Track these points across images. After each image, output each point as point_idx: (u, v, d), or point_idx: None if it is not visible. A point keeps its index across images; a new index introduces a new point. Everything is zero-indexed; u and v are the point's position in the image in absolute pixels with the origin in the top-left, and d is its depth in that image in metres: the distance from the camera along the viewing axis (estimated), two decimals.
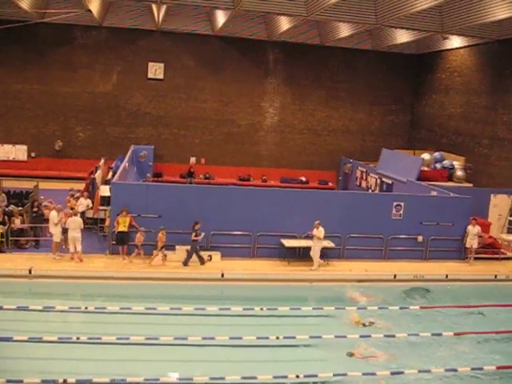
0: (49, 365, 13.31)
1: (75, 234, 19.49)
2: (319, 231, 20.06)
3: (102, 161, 27.60)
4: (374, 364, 14.02)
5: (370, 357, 14.37)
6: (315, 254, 20.28)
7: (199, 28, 35.44)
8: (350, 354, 14.36)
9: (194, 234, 19.82)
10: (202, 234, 19.99)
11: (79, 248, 19.54)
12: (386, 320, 16.74)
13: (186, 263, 19.94)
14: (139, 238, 19.92)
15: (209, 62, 36.09)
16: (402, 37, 32.32)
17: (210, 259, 20.34)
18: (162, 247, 19.81)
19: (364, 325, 16.11)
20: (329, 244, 21.03)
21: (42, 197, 23.48)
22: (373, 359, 14.30)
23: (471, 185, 28.61)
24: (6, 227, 20.18)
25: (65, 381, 10.96)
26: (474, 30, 27.76)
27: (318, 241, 20.18)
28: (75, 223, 19.53)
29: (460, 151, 31.24)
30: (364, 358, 14.33)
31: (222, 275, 19.37)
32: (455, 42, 32.37)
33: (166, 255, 19.88)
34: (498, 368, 14.08)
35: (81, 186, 25.81)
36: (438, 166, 30.21)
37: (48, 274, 18.50)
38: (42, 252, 20.38)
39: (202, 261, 20.10)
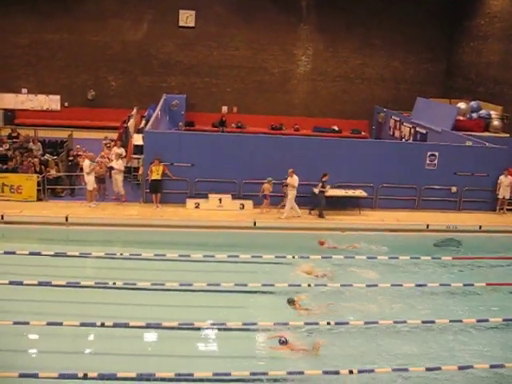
0: (86, 308, 13.77)
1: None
2: (293, 179, 19.85)
3: (135, 110, 27.66)
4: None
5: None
6: (288, 202, 20.11)
7: None
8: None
9: (320, 185, 20.19)
10: (328, 186, 20.37)
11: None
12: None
13: (321, 215, 20.45)
14: (267, 187, 20.21)
15: (240, 9, 35.41)
16: None
17: (243, 208, 20.47)
18: (267, 197, 20.29)
19: (317, 276, 15.94)
20: (361, 193, 20.98)
21: (78, 146, 23.74)
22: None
23: (508, 135, 27.96)
24: (43, 176, 20.53)
25: (85, 375, 10.76)
26: None
27: (292, 189, 19.98)
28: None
29: (498, 100, 30.39)
30: None
31: (255, 223, 19.54)
32: None
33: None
34: None
35: (114, 135, 26.04)
36: (475, 115, 29.51)
37: (84, 221, 18.91)
38: (78, 200, 20.77)
39: (321, 214, 20.44)
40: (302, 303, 14.16)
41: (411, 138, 29.30)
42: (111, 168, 20.74)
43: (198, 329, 13.01)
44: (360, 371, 11.41)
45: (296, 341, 12.41)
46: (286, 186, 20.06)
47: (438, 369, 11.76)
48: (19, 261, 15.94)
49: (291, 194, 19.97)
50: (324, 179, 20.21)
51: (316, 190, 20.39)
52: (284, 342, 12.17)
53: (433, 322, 13.70)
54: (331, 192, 20.72)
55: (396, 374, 11.56)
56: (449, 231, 20.26)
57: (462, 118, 28.97)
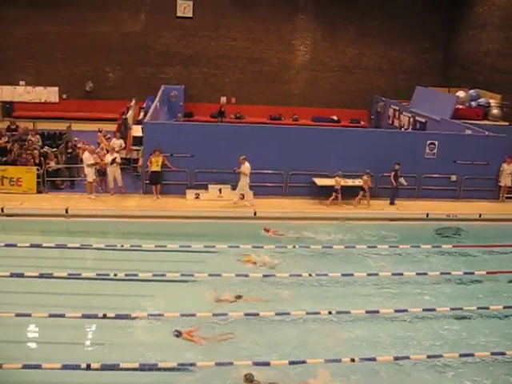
0: (88, 300, 13.80)
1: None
2: (245, 167, 19.88)
3: (133, 101, 27.63)
4: None
5: None
6: (239, 189, 20.17)
7: None
8: None
9: (393, 174, 20.70)
10: (401, 178, 20.89)
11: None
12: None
13: (392, 202, 21.10)
14: (338, 181, 20.41)
15: None
16: None
17: (243, 198, 20.47)
18: (366, 190, 20.62)
19: (255, 263, 16.03)
20: (360, 183, 20.97)
21: (76, 138, 23.70)
22: None
23: (507, 123, 27.93)
24: (42, 168, 20.51)
25: (88, 366, 10.85)
26: None
27: (243, 177, 20.00)
28: None
29: (496, 89, 30.31)
30: None
31: (255, 213, 19.56)
32: None
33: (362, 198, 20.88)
34: None
35: (113, 126, 25.97)
36: (474, 103, 29.49)
37: (84, 213, 18.92)
38: (78, 192, 20.77)
39: (393, 201, 21.13)
40: None
41: (410, 127, 29.29)
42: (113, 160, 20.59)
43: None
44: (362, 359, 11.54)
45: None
46: (238, 173, 20.05)
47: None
48: (20, 253, 15.97)
49: (243, 181, 20.00)
50: (397, 168, 20.63)
51: (402, 180, 21.05)
52: (178, 335, 12.19)
53: (433, 309, 13.84)
54: (327, 182, 20.81)
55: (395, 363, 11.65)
56: (449, 220, 20.27)
57: (461, 106, 28.93)
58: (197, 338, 12.28)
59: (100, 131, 24.21)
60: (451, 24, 36.66)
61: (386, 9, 36.03)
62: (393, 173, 20.83)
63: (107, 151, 21.17)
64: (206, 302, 13.83)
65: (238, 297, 14.03)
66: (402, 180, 21.07)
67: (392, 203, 21.11)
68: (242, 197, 20.30)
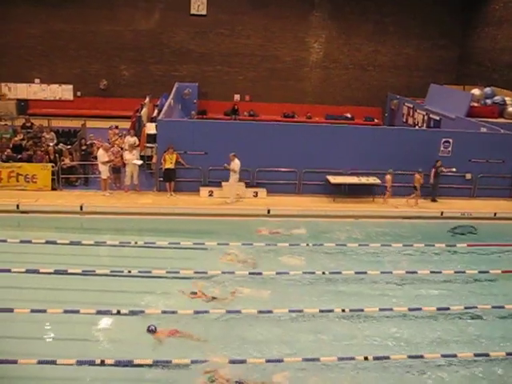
0: (102, 296, 13.87)
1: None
2: (234, 163, 19.84)
3: (147, 99, 27.70)
4: None
5: None
6: (231, 187, 20.14)
7: None
8: None
9: (434, 171, 20.90)
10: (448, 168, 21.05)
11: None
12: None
13: (434, 199, 21.28)
14: (418, 178, 20.55)
15: None
16: None
17: (256, 195, 20.47)
18: (417, 189, 20.68)
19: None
20: (374, 181, 20.92)
21: (92, 135, 23.80)
22: None
23: None
24: (57, 165, 20.62)
25: (102, 362, 10.89)
26: None
27: (233, 174, 19.96)
28: None
29: None
30: None
31: (268, 211, 19.55)
32: None
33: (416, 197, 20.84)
34: None
35: (127, 124, 26.07)
36: (489, 101, 29.26)
37: (98, 210, 19.02)
38: (92, 189, 20.88)
39: (434, 199, 21.37)
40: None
41: (425, 125, 29.12)
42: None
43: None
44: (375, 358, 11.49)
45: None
46: (228, 170, 20.03)
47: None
48: (35, 249, 16.04)
49: (232, 178, 19.99)
50: (438, 165, 20.76)
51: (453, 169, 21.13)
52: (153, 330, 12.12)
53: (447, 308, 13.75)
54: (341, 180, 20.74)
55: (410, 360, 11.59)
56: (463, 218, 20.15)
57: (476, 104, 28.73)
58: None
59: (111, 128, 24.32)
60: (467, 21, 36.38)
61: (401, 5, 35.83)
62: (433, 170, 20.87)
63: (121, 148, 21.27)
64: None
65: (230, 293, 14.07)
66: (453, 169, 21.07)
67: (434, 200, 21.22)
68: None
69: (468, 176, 21.77)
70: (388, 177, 20.61)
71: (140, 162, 20.77)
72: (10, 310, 12.62)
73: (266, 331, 12.60)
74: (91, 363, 10.89)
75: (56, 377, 10.91)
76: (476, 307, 13.79)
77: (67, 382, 10.96)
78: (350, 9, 35.76)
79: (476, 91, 29.71)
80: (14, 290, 13.85)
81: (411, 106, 31.82)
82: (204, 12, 35.21)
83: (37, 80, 34.82)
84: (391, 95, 34.88)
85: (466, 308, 13.76)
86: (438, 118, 27.83)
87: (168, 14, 35.02)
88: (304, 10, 35.73)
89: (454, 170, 21.14)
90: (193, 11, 35.15)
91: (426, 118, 29.34)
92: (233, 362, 11.17)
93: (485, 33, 34.37)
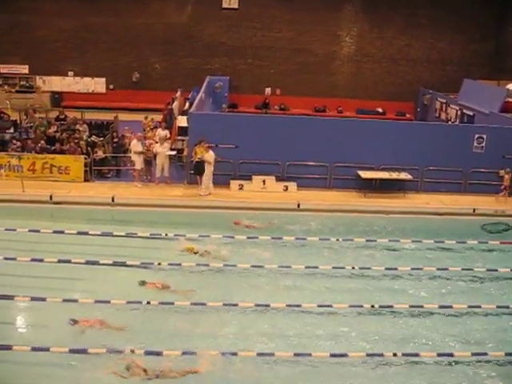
0: (132, 287, 13.94)
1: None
2: (209, 155, 19.72)
3: (179, 92, 27.85)
4: None
5: None
6: (205, 177, 20.00)
7: None
8: None
9: None
10: None
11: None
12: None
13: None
14: (507, 178, 20.61)
15: None
16: None
17: (286, 189, 20.47)
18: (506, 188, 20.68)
19: (195, 253, 15.82)
20: (406, 176, 20.73)
21: (127, 127, 24.01)
22: None
23: None
24: (90, 157, 20.88)
25: (132, 351, 11.11)
26: None
27: (208, 165, 19.84)
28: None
29: None
30: None
31: (298, 205, 19.53)
32: None
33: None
34: None
35: (158, 117, 26.27)
36: None
37: (130, 202, 19.21)
38: (123, 181, 21.10)
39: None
40: None
41: (458, 121, 28.73)
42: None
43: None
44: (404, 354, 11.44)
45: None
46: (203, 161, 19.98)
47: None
48: (67, 240, 16.32)
49: (208, 169, 19.90)
50: None
51: None
52: (74, 322, 12.14)
53: (479, 306, 13.58)
54: (372, 175, 20.63)
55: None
56: (496, 216, 19.84)
57: (511, 99, 28.22)
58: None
59: (146, 119, 24.56)
60: (503, 14, 35.65)
61: None
62: None
63: (155, 142, 21.43)
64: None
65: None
66: None
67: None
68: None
69: (501, 173, 21.41)
70: (506, 176, 20.60)
71: (173, 153, 20.93)
72: (43, 299, 12.90)
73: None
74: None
75: None
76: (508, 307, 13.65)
77: None
78: (382, 2, 35.34)
79: (511, 86, 29.18)
80: (46, 280, 14.07)
81: (444, 100, 31.40)
82: (236, 6, 35.19)
83: (70, 73, 35.23)
84: (424, 90, 34.45)
85: (497, 307, 13.58)
86: (471, 113, 27.41)
87: (200, 8, 35.07)
88: (336, 3, 35.46)
89: None
90: (224, 5, 35.15)
91: (459, 113, 28.93)
92: (149, 353, 11.16)
93: None
